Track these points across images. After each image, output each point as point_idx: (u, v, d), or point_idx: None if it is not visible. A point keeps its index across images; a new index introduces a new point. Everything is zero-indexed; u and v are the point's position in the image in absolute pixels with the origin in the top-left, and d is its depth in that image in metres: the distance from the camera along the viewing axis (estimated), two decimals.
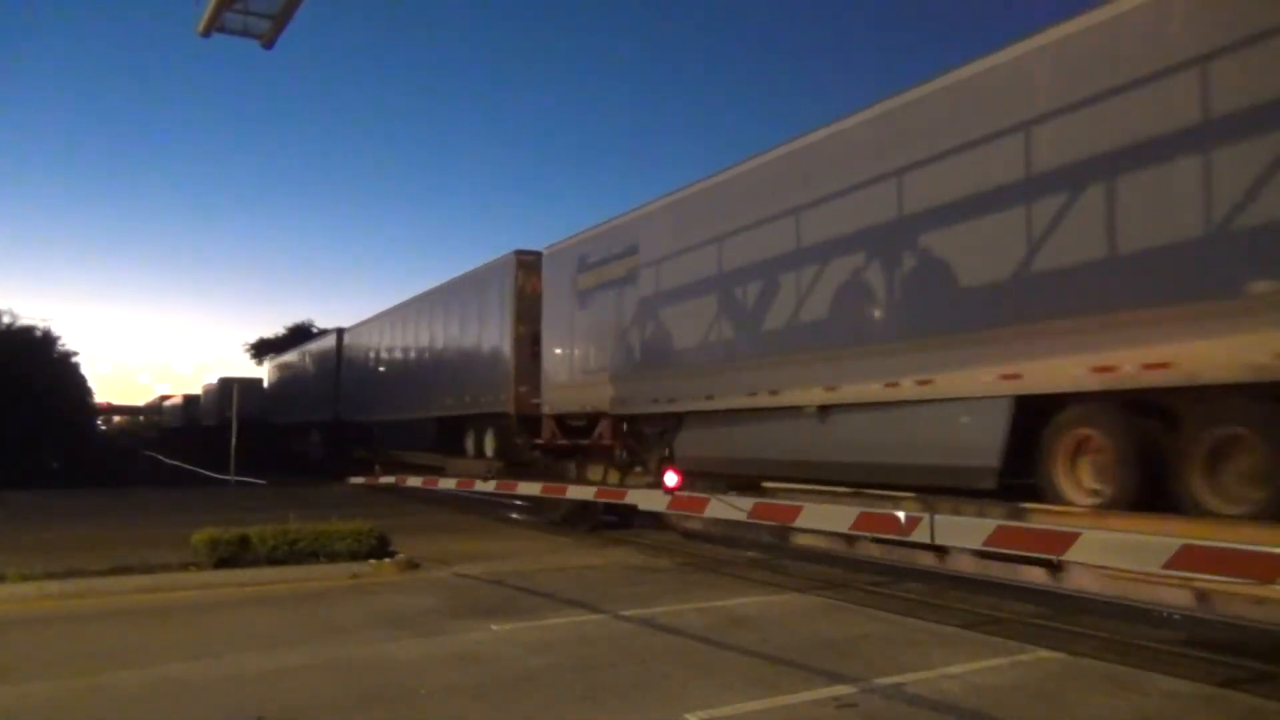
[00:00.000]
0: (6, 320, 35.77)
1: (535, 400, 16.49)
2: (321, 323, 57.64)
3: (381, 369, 26.95)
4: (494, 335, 18.34)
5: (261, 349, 62.74)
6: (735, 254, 11.74)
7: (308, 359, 37.57)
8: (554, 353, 16.16)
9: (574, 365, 15.47)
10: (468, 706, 5.69)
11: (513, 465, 17.32)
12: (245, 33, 12.88)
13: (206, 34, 12.80)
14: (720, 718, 5.40)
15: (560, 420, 15.96)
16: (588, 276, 14.99)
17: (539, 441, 16.42)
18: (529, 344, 16.88)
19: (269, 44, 12.98)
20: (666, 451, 12.80)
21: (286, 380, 41.59)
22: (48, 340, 39.71)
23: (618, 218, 14.54)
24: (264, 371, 52.36)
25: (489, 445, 18.79)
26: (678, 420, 12.74)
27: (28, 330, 37.40)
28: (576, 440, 15.53)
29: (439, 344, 21.93)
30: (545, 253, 16.78)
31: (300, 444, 36.38)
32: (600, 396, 14.37)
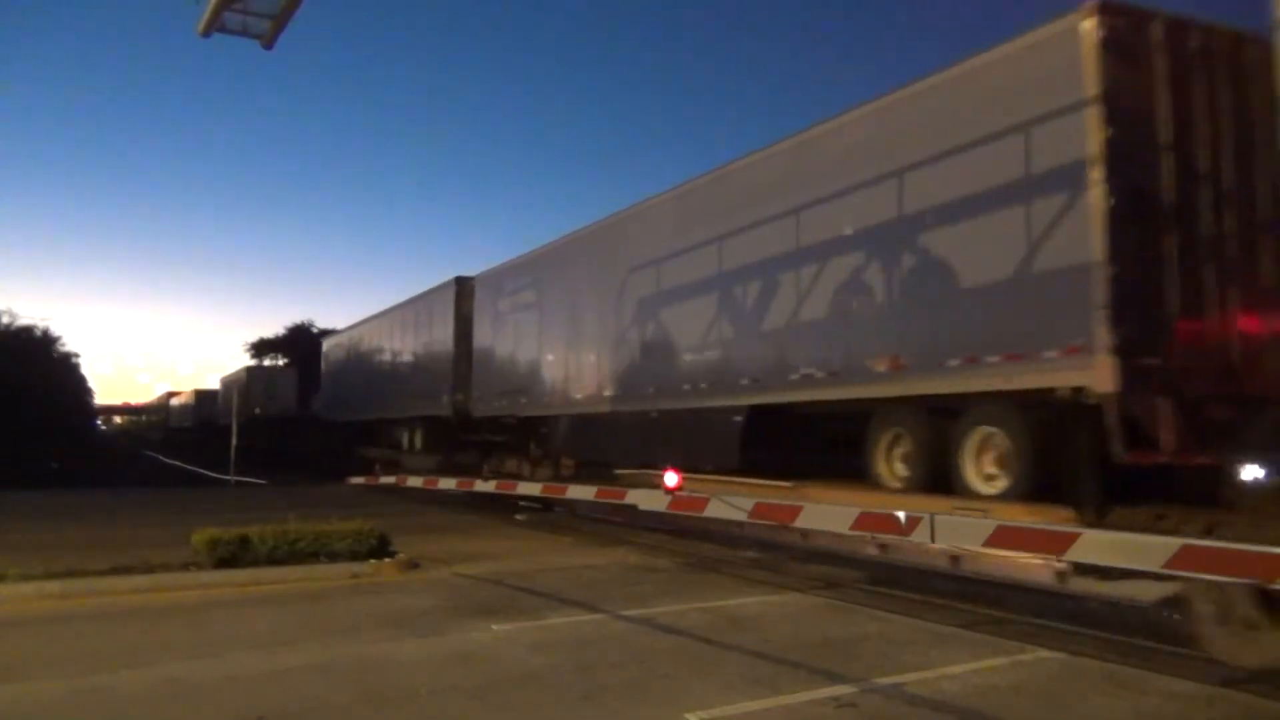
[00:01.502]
0: (6, 320, 36.02)
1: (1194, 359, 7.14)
2: (322, 323, 57.48)
3: (578, 327, 16.18)
4: (1019, 213, 7.69)
5: (261, 349, 62.92)
6: None
7: (398, 329, 25.73)
8: None
9: None
10: (468, 706, 5.69)
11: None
12: (245, 33, 12.87)
13: (206, 34, 12.79)
14: (720, 718, 5.40)
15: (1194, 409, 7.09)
16: None
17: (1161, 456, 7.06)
18: (1132, 220, 6.97)
19: (269, 44, 12.98)
20: None
21: (359, 363, 30.04)
22: (48, 340, 39.97)
23: None
24: (288, 360, 50.33)
25: (1001, 462, 8.10)
26: None
27: (28, 330, 37.63)
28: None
29: (774, 259, 10.81)
30: None
31: (387, 448, 26.16)
32: None
